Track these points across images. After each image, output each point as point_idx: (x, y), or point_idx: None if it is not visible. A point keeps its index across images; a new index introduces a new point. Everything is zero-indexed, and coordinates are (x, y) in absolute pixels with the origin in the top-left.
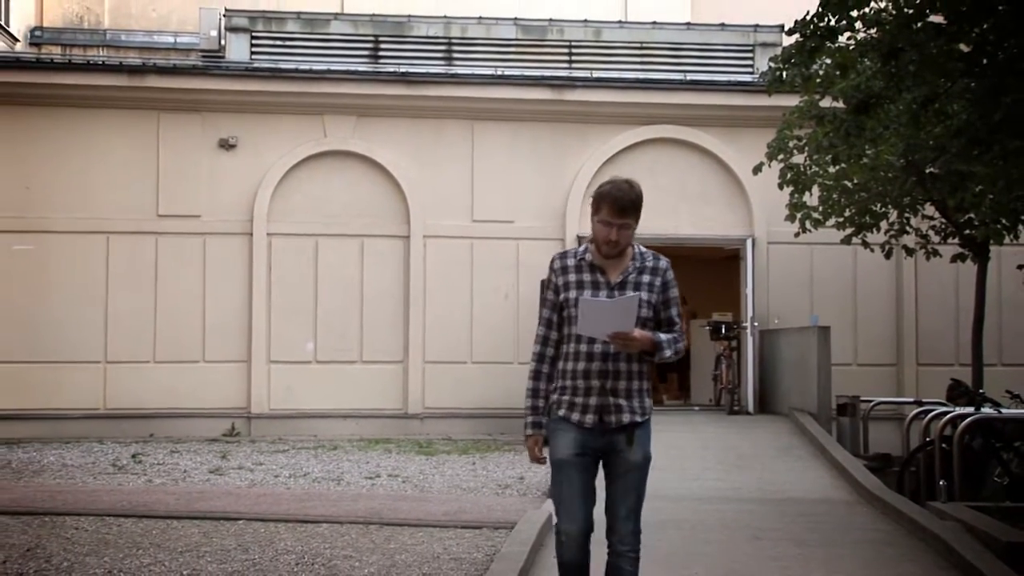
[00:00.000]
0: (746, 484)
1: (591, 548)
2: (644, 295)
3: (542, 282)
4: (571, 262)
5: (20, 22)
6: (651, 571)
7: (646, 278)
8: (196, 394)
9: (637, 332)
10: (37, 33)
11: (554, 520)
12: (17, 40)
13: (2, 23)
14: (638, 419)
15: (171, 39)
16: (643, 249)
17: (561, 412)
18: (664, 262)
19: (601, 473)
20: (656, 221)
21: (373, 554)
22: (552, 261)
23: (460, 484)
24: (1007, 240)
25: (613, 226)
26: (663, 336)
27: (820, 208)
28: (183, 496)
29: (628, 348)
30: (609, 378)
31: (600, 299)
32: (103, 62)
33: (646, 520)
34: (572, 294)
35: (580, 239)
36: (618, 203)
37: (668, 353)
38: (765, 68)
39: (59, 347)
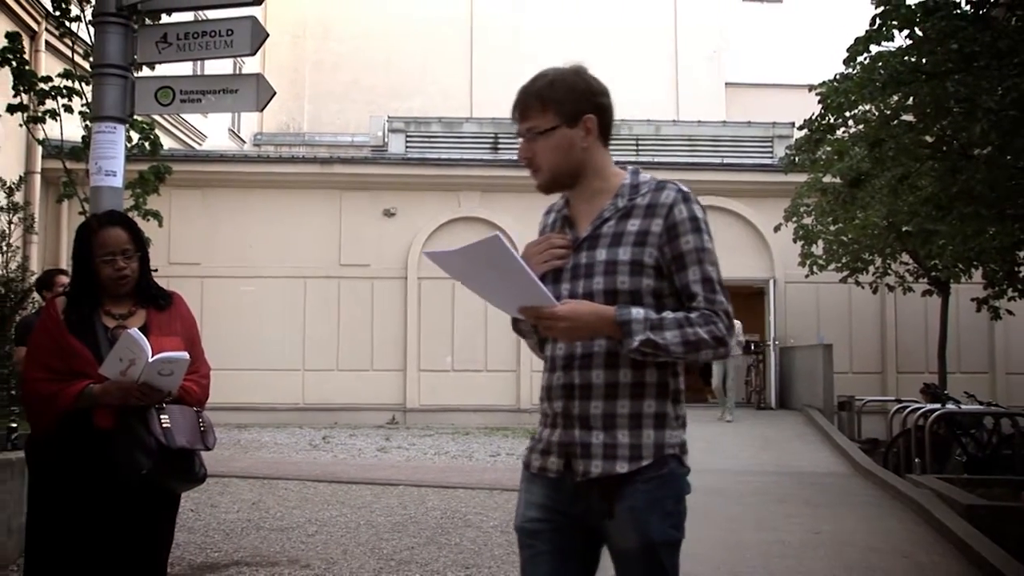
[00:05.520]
0: (770, 461)
1: None
2: (625, 253)
3: None
4: (552, 217)
5: (248, 129)
6: (701, 525)
7: (634, 224)
8: (367, 393)
9: (566, 306)
10: (259, 136)
11: None
12: (245, 142)
13: (236, 131)
14: (619, 468)
15: (349, 138)
16: (643, 177)
17: (523, 455)
18: (672, 193)
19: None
20: None
21: (496, 511)
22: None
23: None
24: (963, 280)
25: (521, 138)
26: (655, 315)
27: (824, 256)
28: (359, 467)
29: (554, 332)
30: (576, 397)
31: (450, 250)
32: (303, 155)
33: (696, 487)
34: None
35: None
36: (517, 98)
37: (659, 339)
38: (782, 154)
39: (271, 358)
